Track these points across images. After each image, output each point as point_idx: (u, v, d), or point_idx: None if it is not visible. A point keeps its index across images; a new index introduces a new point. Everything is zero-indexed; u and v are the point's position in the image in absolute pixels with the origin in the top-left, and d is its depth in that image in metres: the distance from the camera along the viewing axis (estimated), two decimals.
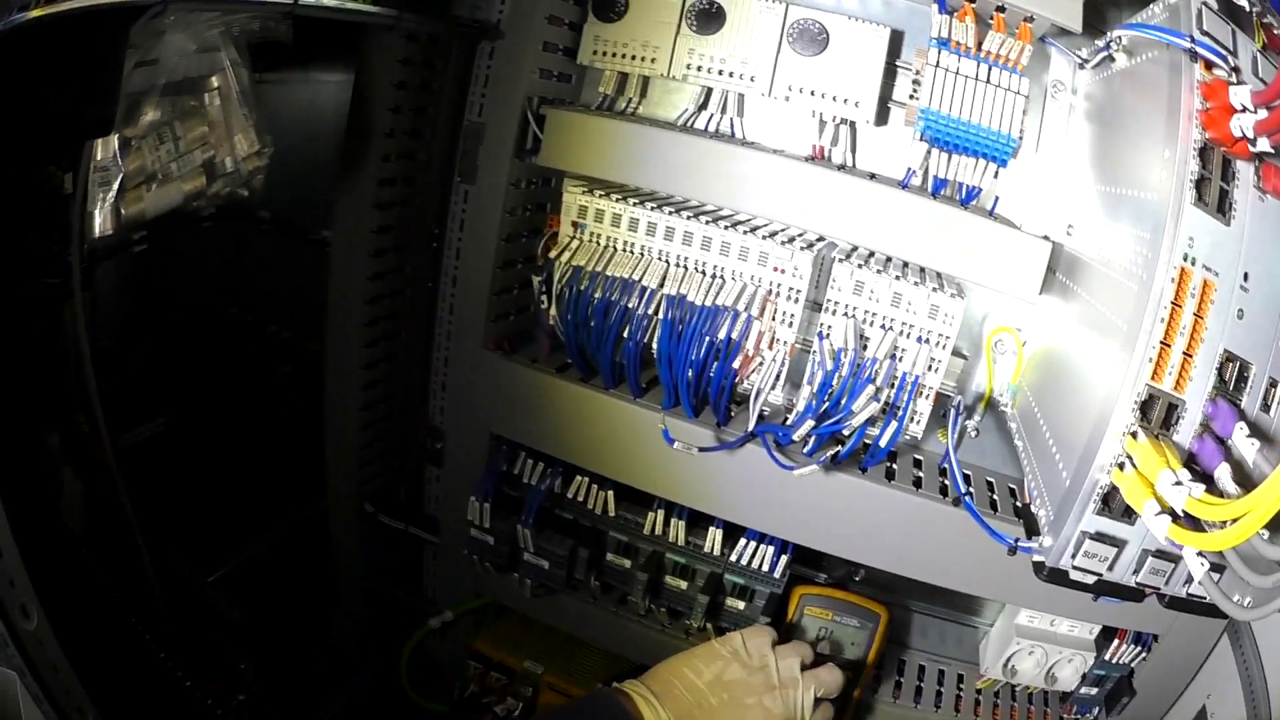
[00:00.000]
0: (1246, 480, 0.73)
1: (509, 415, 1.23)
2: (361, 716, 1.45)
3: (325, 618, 1.48)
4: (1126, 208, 0.91)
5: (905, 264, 1.15)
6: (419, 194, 1.32)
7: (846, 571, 1.30)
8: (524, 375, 1.20)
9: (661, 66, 1.17)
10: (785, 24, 1.13)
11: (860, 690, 1.26)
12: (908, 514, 1.15)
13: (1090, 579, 0.92)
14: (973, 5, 1.03)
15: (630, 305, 1.13)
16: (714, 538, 1.20)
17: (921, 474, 1.19)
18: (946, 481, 1.17)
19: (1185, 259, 0.76)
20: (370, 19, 1.12)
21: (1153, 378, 0.79)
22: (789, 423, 1.11)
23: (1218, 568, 0.76)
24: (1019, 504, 1.16)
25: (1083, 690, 1.28)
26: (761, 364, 1.14)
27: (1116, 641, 1.24)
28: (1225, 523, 0.70)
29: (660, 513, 1.21)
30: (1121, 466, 0.81)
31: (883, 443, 1.12)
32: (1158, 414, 0.80)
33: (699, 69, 1.16)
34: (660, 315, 1.12)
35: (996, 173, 1.09)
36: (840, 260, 1.12)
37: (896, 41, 1.16)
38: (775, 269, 1.13)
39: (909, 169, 1.11)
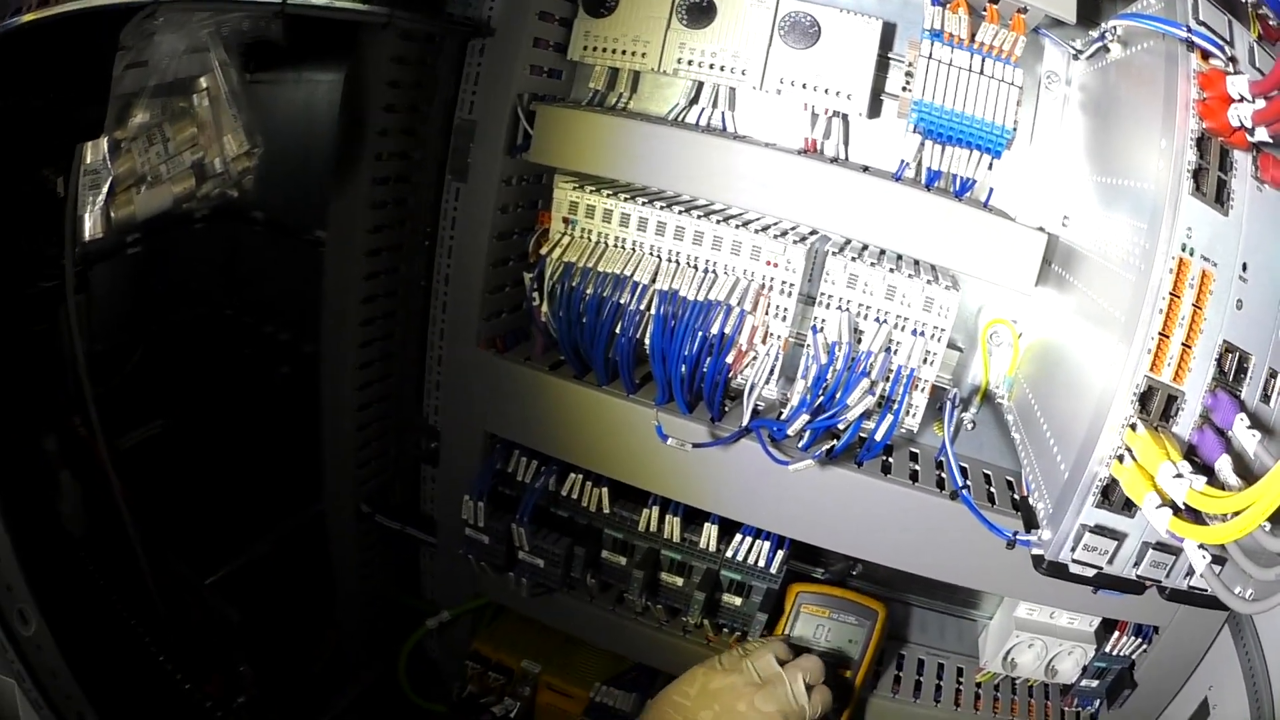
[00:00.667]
0: (1247, 472, 0.73)
1: (503, 414, 1.22)
2: (360, 718, 1.45)
3: (324, 620, 1.48)
4: (1123, 198, 0.91)
5: (899, 257, 1.14)
6: (412, 192, 1.31)
7: (845, 566, 1.29)
8: (518, 373, 1.20)
9: (652, 61, 1.16)
10: (776, 17, 1.12)
11: (859, 687, 1.25)
12: (904, 508, 1.14)
13: (1090, 572, 0.90)
14: None
15: (622, 301, 1.12)
16: (709, 534, 1.20)
17: (918, 468, 1.18)
18: (943, 475, 1.16)
19: (1184, 249, 0.76)
20: (362, 17, 1.12)
21: (1152, 369, 0.78)
22: (783, 417, 1.11)
23: (1219, 560, 0.75)
24: (1017, 497, 1.15)
25: (1083, 683, 1.28)
26: (755, 359, 1.13)
27: (1117, 634, 1.23)
28: (1227, 515, 0.69)
29: (655, 509, 1.20)
30: (1121, 459, 0.81)
31: (878, 436, 1.11)
32: (1157, 406, 0.80)
33: (690, 63, 1.15)
34: (653, 311, 1.11)
35: (991, 164, 1.08)
36: (834, 253, 1.11)
37: (889, 34, 1.15)
38: (768, 263, 1.13)
39: (902, 161, 1.10)
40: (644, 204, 1.14)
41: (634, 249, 1.16)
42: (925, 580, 1.36)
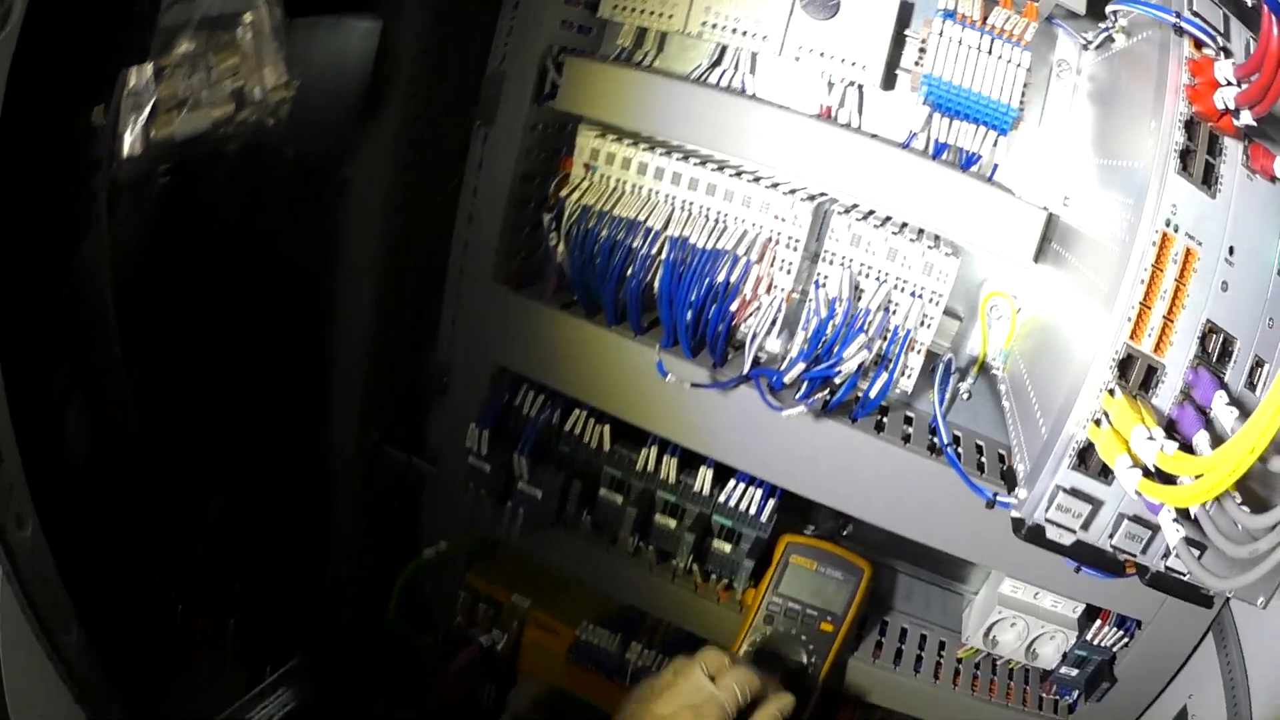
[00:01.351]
0: None
1: (514, 348, 1.27)
2: (350, 647, 1.48)
3: (323, 550, 1.51)
4: (1117, 177, 0.95)
5: (904, 224, 1.19)
6: (441, 136, 1.36)
7: (835, 525, 1.33)
8: (531, 309, 1.24)
9: (679, 22, 1.21)
10: None
11: (840, 646, 1.28)
12: (894, 467, 1.17)
13: (1066, 538, 0.93)
14: None
15: (635, 245, 1.16)
16: (704, 477, 1.24)
17: (911, 430, 1.21)
18: (935, 440, 1.19)
19: (1168, 224, 0.79)
20: None
21: (1131, 337, 0.82)
22: (782, 368, 1.15)
23: (1198, 546, 0.78)
24: (1006, 467, 1.19)
25: (1063, 670, 1.29)
26: (759, 308, 1.17)
27: (1099, 622, 1.25)
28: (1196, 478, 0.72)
29: (653, 449, 1.24)
30: (1098, 423, 0.84)
31: (872, 393, 1.15)
32: (1136, 374, 0.83)
33: (714, 26, 1.20)
34: (663, 256, 1.16)
35: (996, 141, 1.13)
36: (840, 213, 1.16)
37: (906, 12, 1.19)
38: (776, 217, 1.17)
39: (911, 131, 1.15)
40: (662, 155, 1.19)
41: (649, 196, 1.20)
42: (914, 549, 1.37)
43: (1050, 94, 1.23)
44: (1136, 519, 0.89)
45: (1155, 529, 0.88)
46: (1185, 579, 0.91)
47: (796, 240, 1.17)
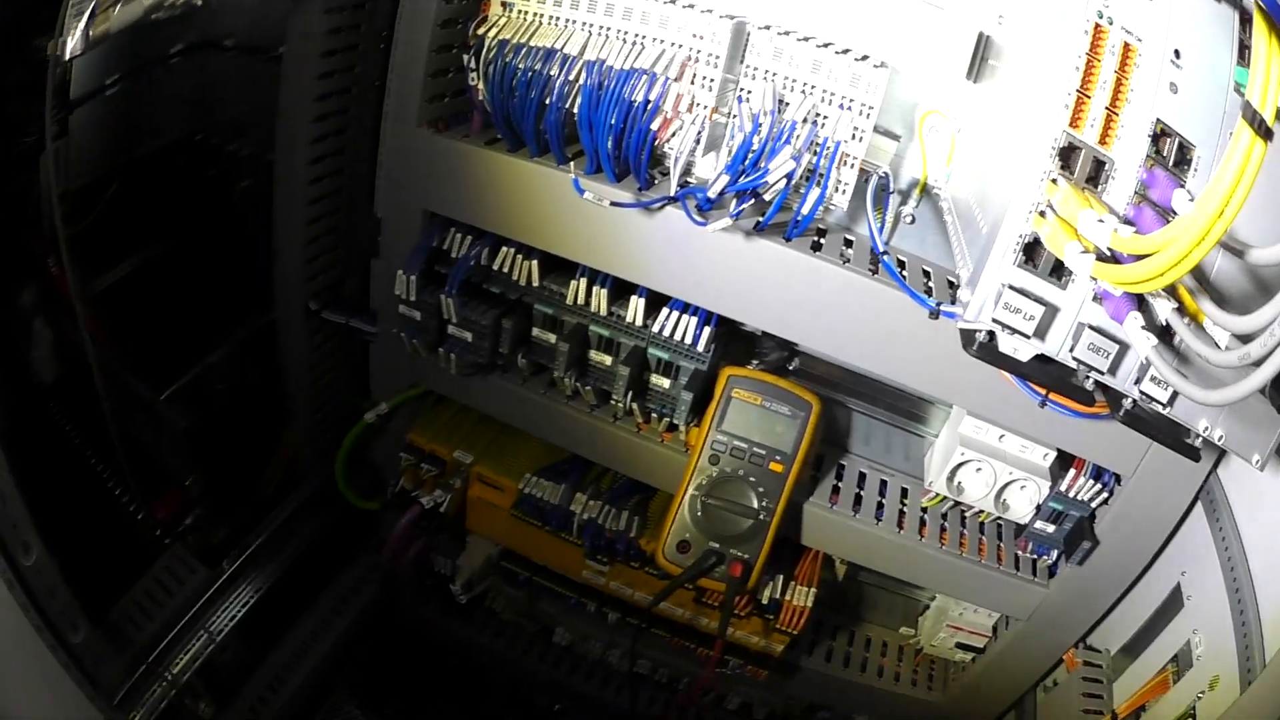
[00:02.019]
0: None
1: (440, 191, 1.24)
2: (301, 523, 1.47)
3: (275, 427, 1.50)
4: None
5: (827, 43, 1.14)
6: None
7: (779, 358, 1.29)
8: (454, 149, 1.22)
9: None
10: None
11: (792, 487, 1.24)
12: (833, 288, 1.13)
13: (1023, 351, 0.90)
14: None
15: (552, 74, 1.13)
16: (635, 307, 1.20)
17: (851, 253, 1.17)
18: (878, 262, 1.15)
19: (1100, 16, 0.78)
20: None
21: (1072, 125, 0.79)
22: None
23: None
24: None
25: (1038, 525, 1.25)
26: (681, 128, 1.14)
27: (1074, 472, 1.20)
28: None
29: (583, 281, 1.21)
30: (1043, 215, 0.82)
31: (804, 210, 1.11)
32: (1081, 166, 0.81)
33: None
34: (581, 82, 1.13)
35: None
36: (761, 28, 1.12)
37: None
38: (694, 35, 1.13)
39: None
40: None
41: (566, 26, 1.17)
42: (867, 385, 1.36)
43: None
44: (1099, 330, 0.86)
45: (1123, 346, 0.86)
46: (1165, 412, 0.87)
47: (716, 57, 1.13)
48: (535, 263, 1.23)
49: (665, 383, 1.23)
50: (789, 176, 1.09)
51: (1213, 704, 1.03)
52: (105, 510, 1.29)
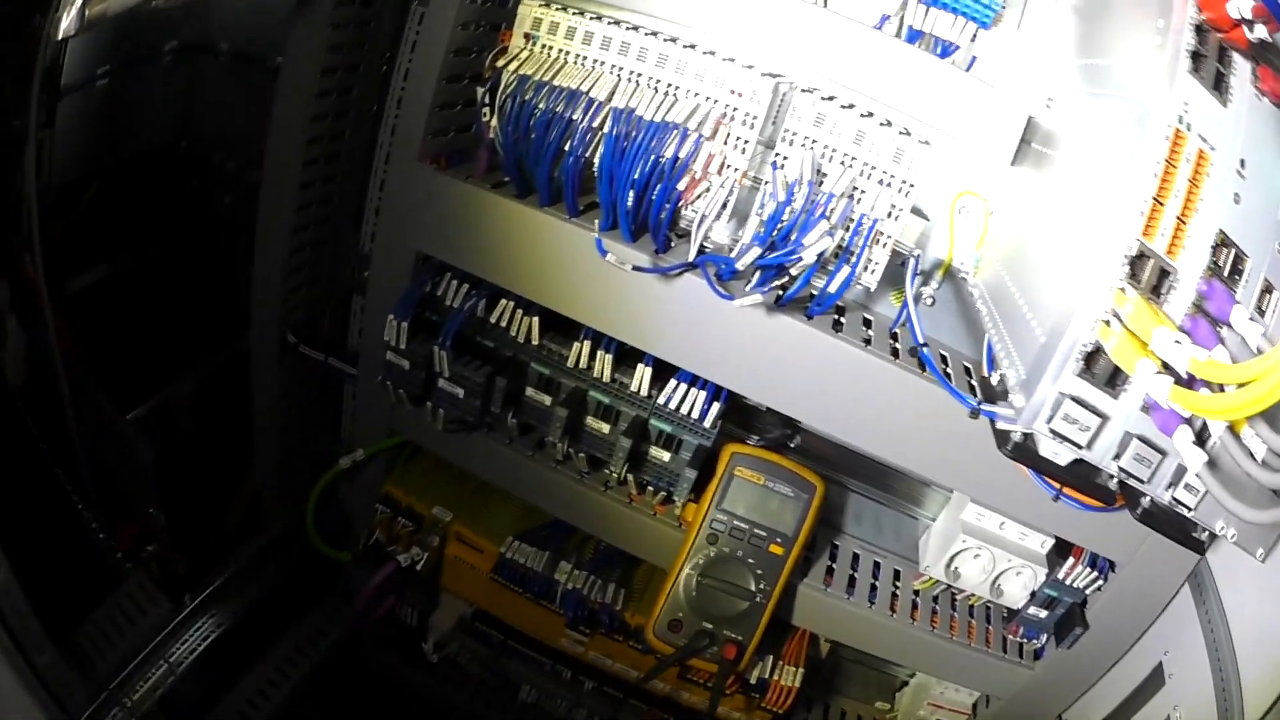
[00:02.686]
0: None
1: (437, 232, 1.15)
2: (266, 566, 1.37)
3: (240, 463, 1.40)
4: (1115, 76, 0.89)
5: (869, 113, 1.08)
6: (374, 17, 1.25)
7: (781, 435, 1.22)
8: (456, 190, 1.13)
9: None
10: None
11: (791, 569, 1.18)
12: (853, 372, 1.07)
13: (1064, 455, 0.86)
14: None
15: (574, 118, 1.05)
16: (642, 375, 1.13)
17: (871, 334, 1.11)
18: (898, 345, 1.10)
19: (1180, 121, 0.75)
20: None
21: (1144, 234, 0.75)
22: (734, 254, 1.04)
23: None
24: (974, 380, 1.09)
25: (1031, 610, 1.21)
26: (709, 189, 1.06)
27: (1071, 560, 1.17)
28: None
29: (586, 344, 1.13)
30: (1108, 323, 0.77)
31: (832, 288, 1.05)
32: (1149, 276, 0.77)
33: None
34: (606, 130, 1.05)
35: (975, 34, 1.04)
36: (803, 91, 1.06)
37: None
38: (732, 91, 1.06)
39: (884, 15, 1.05)
40: (610, 24, 1.08)
41: (594, 68, 1.09)
42: (865, 465, 1.31)
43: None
44: (1146, 441, 0.81)
45: (1164, 455, 0.82)
46: (1189, 514, 0.84)
47: (754, 117, 1.07)
48: (536, 319, 1.14)
49: (665, 456, 1.16)
50: (820, 254, 1.02)
51: None
52: (65, 528, 1.22)
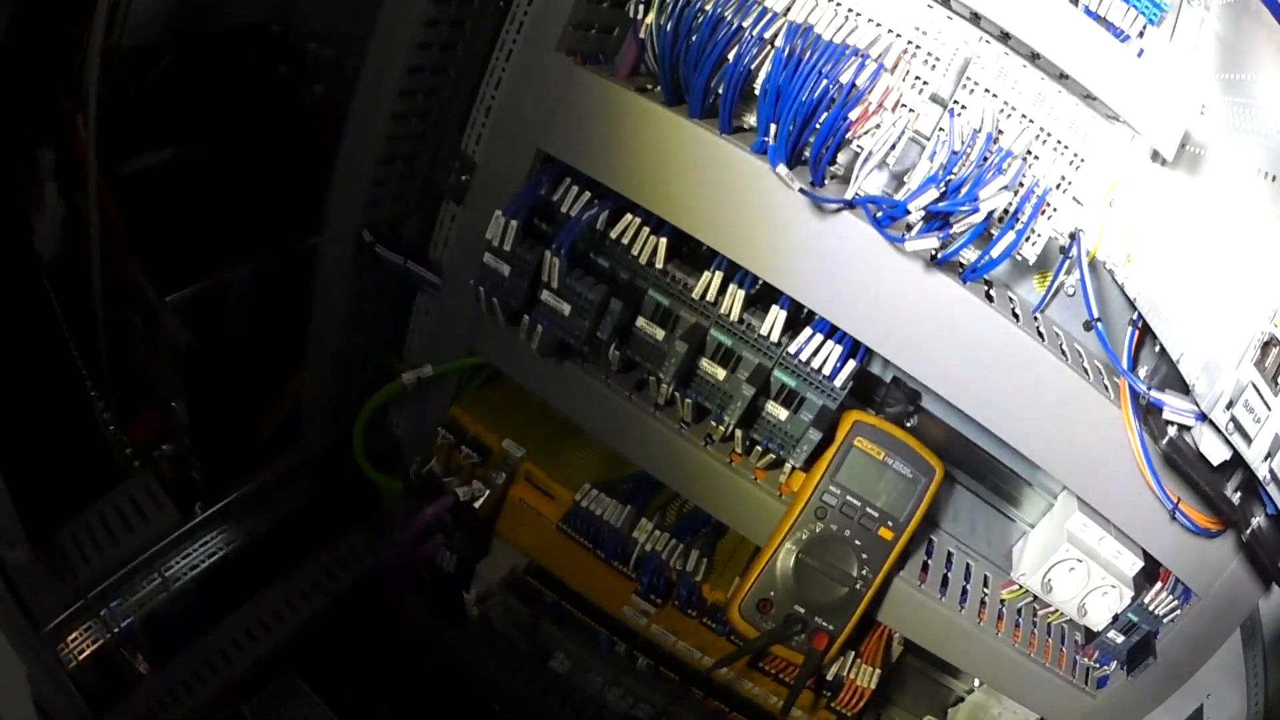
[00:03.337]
0: None
1: (568, 132, 1.04)
2: (296, 482, 1.23)
3: (287, 369, 1.26)
4: None
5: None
6: None
7: (903, 410, 1.11)
8: (597, 87, 1.02)
9: None
10: None
11: (895, 560, 1.08)
12: (1000, 346, 0.98)
13: (1221, 454, 0.84)
14: None
15: (745, 25, 0.95)
16: (775, 319, 1.01)
17: (1018, 311, 1.02)
18: (1040, 329, 1.01)
19: None
20: None
21: None
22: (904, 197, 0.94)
23: None
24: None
25: (1110, 634, 1.14)
26: (879, 126, 0.97)
27: (1159, 585, 1.10)
28: None
29: (718, 275, 1.02)
30: None
31: (996, 252, 0.95)
32: None
33: None
34: (777, 44, 0.95)
35: (1144, 29, 0.97)
36: (987, 41, 0.97)
37: None
38: (917, 28, 0.97)
39: None
40: None
41: None
42: (974, 455, 1.22)
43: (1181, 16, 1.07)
44: None
45: None
46: None
47: (935, 58, 0.98)
48: (664, 241, 1.03)
49: (781, 414, 1.04)
50: (991, 212, 0.93)
51: None
52: (72, 413, 1.07)
